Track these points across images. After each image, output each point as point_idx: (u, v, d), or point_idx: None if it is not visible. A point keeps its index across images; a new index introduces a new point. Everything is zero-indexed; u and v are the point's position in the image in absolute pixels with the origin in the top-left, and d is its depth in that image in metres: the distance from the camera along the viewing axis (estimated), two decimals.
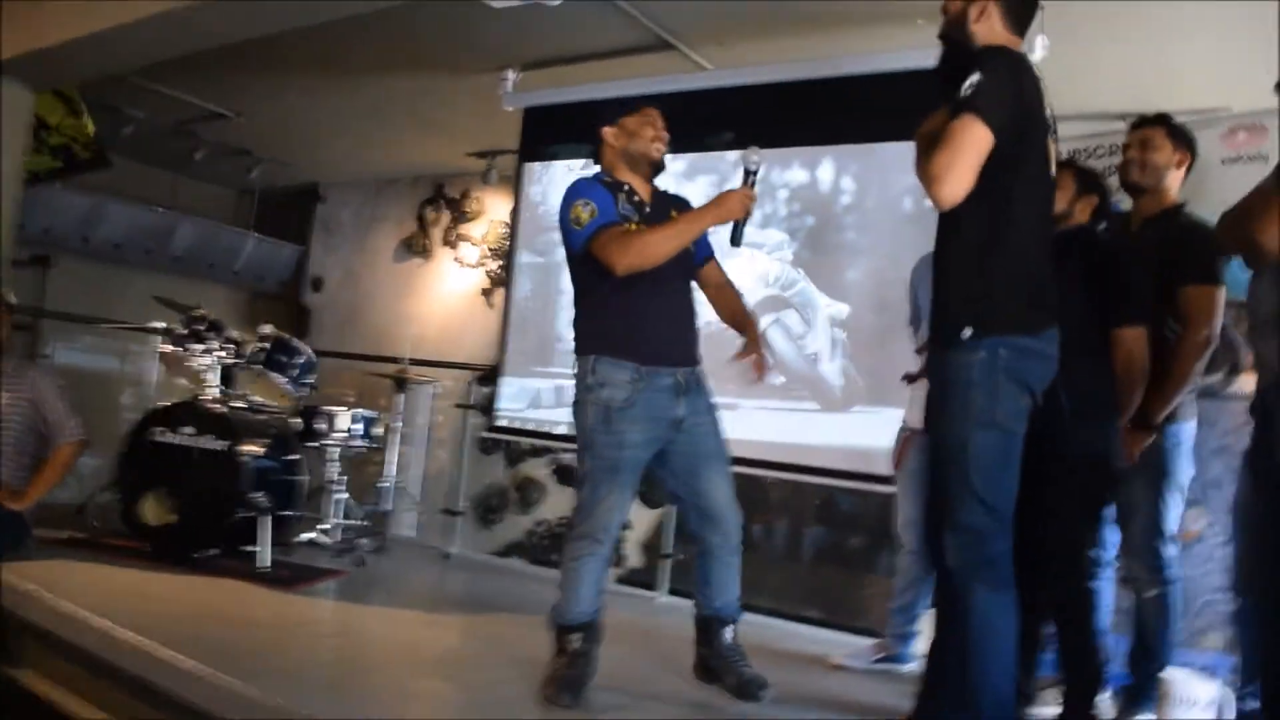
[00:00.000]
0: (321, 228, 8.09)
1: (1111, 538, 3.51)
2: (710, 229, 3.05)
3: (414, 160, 7.13)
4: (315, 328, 7.90)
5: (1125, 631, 3.64)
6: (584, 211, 2.98)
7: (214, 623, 3.62)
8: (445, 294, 7.24)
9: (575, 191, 3.06)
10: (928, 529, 2.83)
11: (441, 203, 7.37)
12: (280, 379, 5.02)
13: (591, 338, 3.06)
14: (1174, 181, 3.44)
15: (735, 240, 3.06)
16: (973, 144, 2.39)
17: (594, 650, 3.03)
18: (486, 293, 6.99)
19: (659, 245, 2.94)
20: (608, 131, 3.19)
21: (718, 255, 3.30)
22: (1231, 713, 3.34)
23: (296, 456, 4.98)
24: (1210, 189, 3.51)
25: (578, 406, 3.04)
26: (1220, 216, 2.67)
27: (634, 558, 5.91)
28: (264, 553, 4.47)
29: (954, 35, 2.68)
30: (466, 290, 7.14)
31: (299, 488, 4.96)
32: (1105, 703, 3.24)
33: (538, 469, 6.36)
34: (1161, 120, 3.50)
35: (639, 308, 3.01)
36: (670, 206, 3.19)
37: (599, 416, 2.96)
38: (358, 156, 7.22)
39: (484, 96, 5.43)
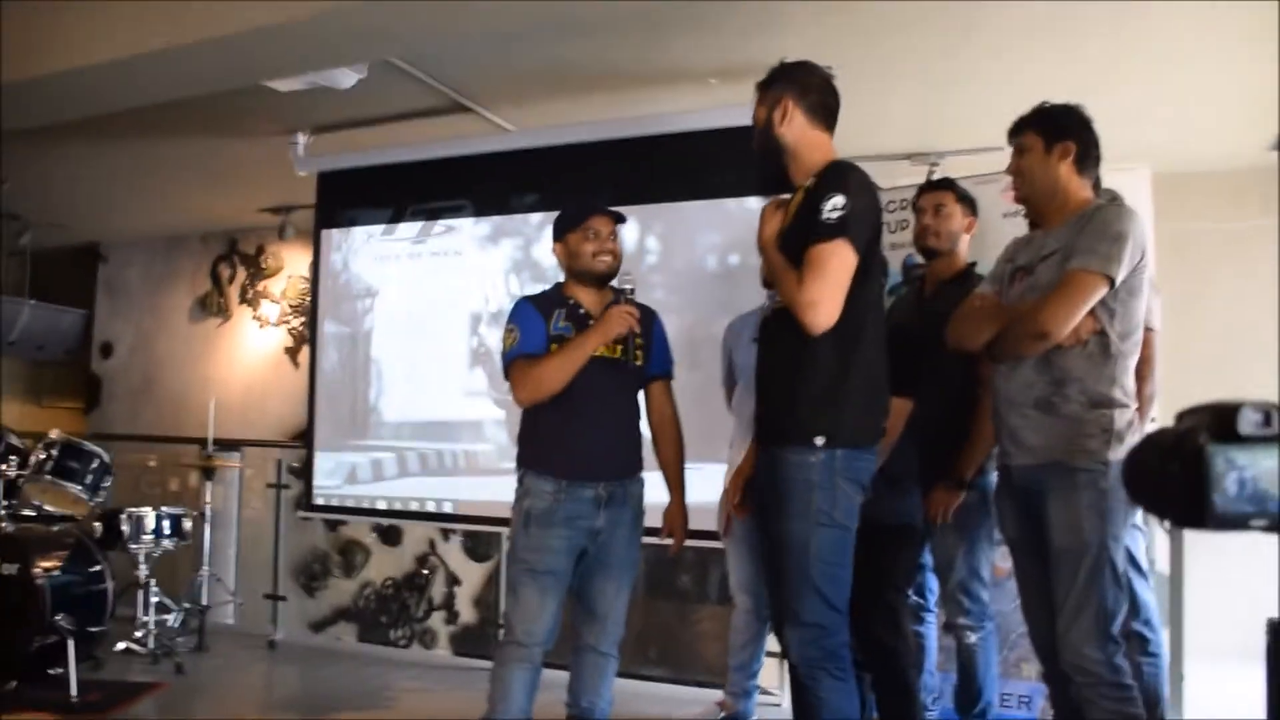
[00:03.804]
0: (106, 289, 7.62)
1: (933, 583, 3.70)
2: (596, 350, 3.05)
3: (203, 216, 6.80)
4: (107, 397, 7.46)
5: (950, 669, 3.83)
6: (508, 338, 3.13)
7: None
8: (247, 355, 6.93)
9: (511, 312, 3.20)
10: (773, 614, 2.87)
11: (236, 259, 7.05)
12: (73, 487, 4.70)
13: (523, 451, 3.18)
14: (964, 244, 3.62)
15: (627, 360, 3.12)
16: (844, 269, 2.47)
17: None
18: (290, 351, 6.74)
19: (552, 377, 3.03)
20: (555, 250, 3.26)
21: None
22: None
23: (99, 567, 4.67)
24: (994, 244, 3.68)
25: (512, 517, 3.16)
26: (951, 321, 2.95)
27: (466, 612, 5.84)
28: (71, 681, 4.15)
29: (765, 143, 2.72)
30: (269, 350, 6.85)
31: (105, 599, 4.65)
32: None
33: (360, 531, 6.18)
34: (950, 185, 3.67)
35: (565, 424, 3.08)
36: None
37: (522, 523, 3.08)
38: (141, 214, 6.84)
39: (275, 155, 5.22)
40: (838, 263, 2.47)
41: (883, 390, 2.69)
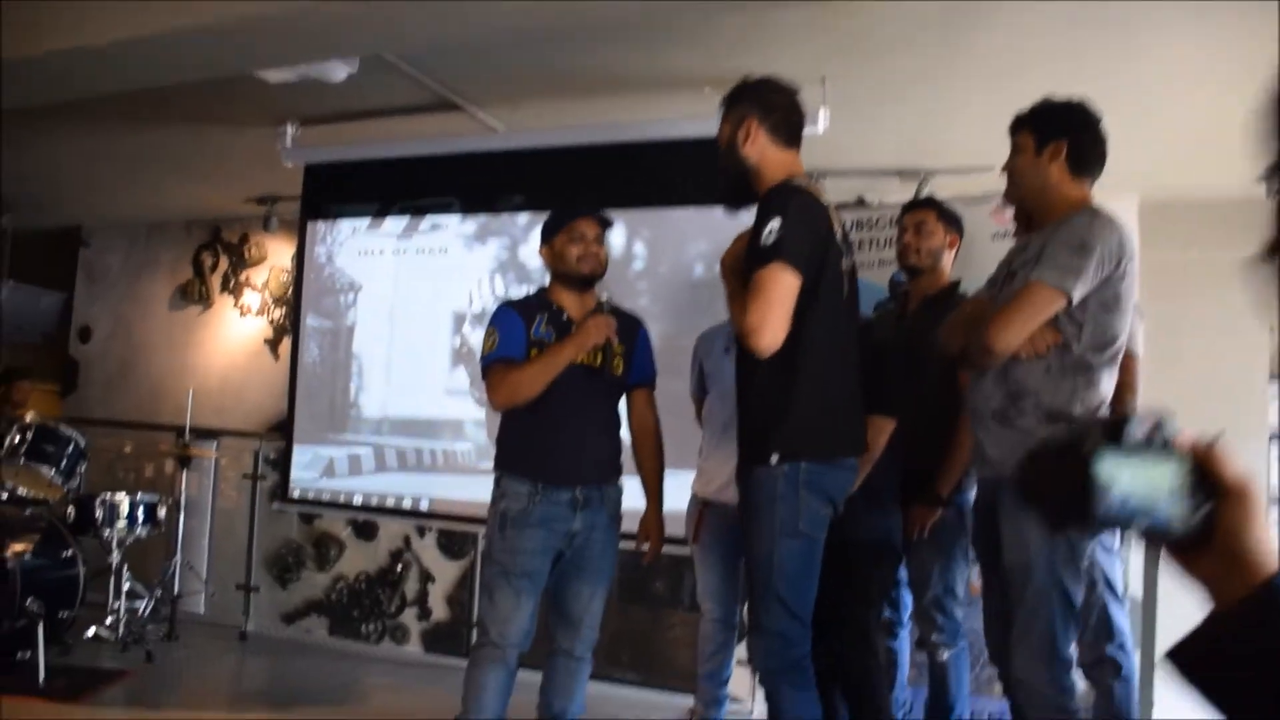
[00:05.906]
0: (86, 274, 7.55)
1: (907, 599, 3.71)
2: (574, 359, 3.06)
3: (188, 204, 6.74)
4: (84, 381, 7.39)
5: (922, 684, 3.84)
6: (488, 341, 3.15)
7: None
8: (227, 344, 6.88)
9: (492, 316, 3.22)
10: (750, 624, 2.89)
11: (219, 248, 7.00)
12: (47, 470, 4.66)
13: (501, 454, 3.21)
14: (947, 261, 3.64)
15: (606, 369, 3.16)
16: (785, 291, 2.48)
17: None
18: (271, 343, 6.70)
19: (528, 383, 3.05)
20: (541, 252, 3.28)
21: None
22: None
23: (71, 551, 4.64)
24: (981, 263, 3.70)
25: (488, 519, 3.18)
26: (942, 326, 2.89)
27: (439, 610, 5.82)
28: (40, 665, 4.12)
29: (729, 162, 2.73)
30: (249, 339, 6.80)
31: (76, 585, 4.62)
32: None
33: (335, 525, 6.15)
34: (932, 204, 3.68)
35: (541, 428, 3.11)
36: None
37: (497, 525, 3.10)
38: (125, 199, 6.77)
39: (262, 146, 5.18)
40: (775, 286, 2.47)
41: (847, 403, 2.70)
